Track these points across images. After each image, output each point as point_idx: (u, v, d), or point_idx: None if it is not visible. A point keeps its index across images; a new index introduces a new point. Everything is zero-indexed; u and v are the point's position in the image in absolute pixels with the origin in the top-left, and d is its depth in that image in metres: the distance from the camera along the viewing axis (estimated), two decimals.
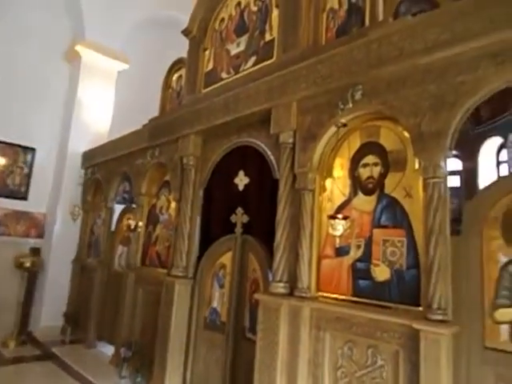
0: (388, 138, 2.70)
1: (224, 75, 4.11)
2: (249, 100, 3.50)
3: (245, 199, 3.74)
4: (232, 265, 3.72)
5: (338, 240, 2.44)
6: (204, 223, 4.13)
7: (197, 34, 4.55)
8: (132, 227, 4.90)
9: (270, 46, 3.62)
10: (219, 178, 4.04)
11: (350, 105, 2.66)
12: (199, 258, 4.05)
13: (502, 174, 7.72)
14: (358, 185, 2.81)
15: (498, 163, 8.23)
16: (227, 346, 3.59)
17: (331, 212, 2.79)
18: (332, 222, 2.42)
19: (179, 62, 5.04)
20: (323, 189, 3.00)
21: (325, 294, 2.83)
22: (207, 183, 4.14)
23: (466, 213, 2.28)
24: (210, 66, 4.33)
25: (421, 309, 2.28)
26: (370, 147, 2.79)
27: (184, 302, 3.96)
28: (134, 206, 5.29)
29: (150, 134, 4.85)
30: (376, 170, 2.73)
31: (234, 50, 4.06)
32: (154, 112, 5.19)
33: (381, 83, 2.61)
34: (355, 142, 2.88)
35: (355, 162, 2.86)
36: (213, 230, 4.04)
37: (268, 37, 3.68)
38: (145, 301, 4.63)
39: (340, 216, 2.44)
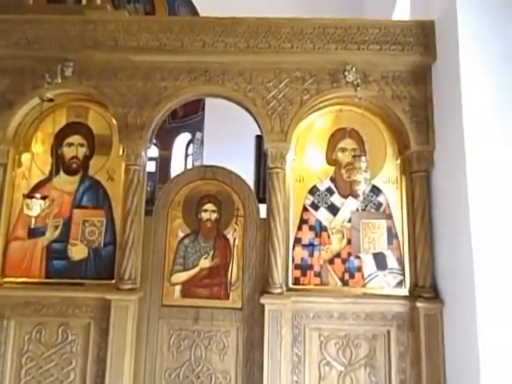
0: (96, 121, 2.78)
1: None
2: None
3: None
4: None
5: (33, 221, 2.30)
6: None
7: None
8: None
9: None
10: None
11: (59, 80, 2.54)
12: None
13: (188, 165, 9.31)
14: (60, 164, 2.73)
15: (187, 155, 9.89)
16: None
17: (27, 190, 2.58)
18: (28, 201, 2.26)
19: None
20: (18, 164, 2.71)
21: (12, 279, 2.59)
22: None
23: (158, 197, 2.72)
24: None
25: (114, 281, 2.54)
26: (77, 127, 2.78)
27: None
28: None
29: None
30: (81, 151, 2.75)
31: None
32: None
33: (94, 67, 2.64)
34: (61, 120, 2.78)
35: (59, 139, 2.76)
36: None
37: None
38: None
39: (38, 195, 2.31)
